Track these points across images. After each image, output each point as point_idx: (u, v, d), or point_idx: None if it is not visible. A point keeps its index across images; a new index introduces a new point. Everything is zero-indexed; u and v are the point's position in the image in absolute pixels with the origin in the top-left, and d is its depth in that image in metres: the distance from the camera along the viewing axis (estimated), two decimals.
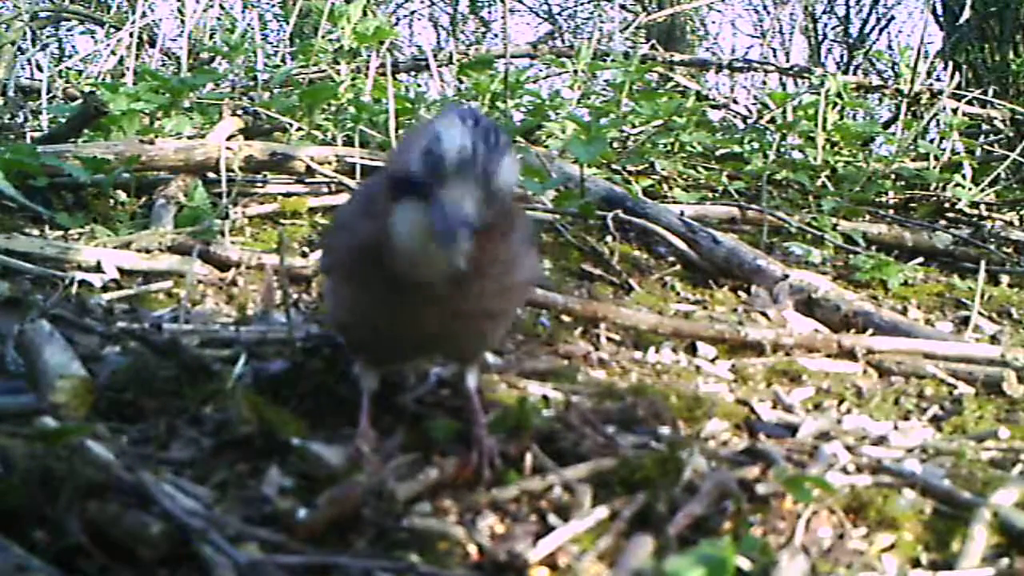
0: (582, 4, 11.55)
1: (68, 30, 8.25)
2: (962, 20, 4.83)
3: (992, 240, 3.20)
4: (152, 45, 5.28)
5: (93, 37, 7.42)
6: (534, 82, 5.00)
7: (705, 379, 1.81)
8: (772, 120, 4.14)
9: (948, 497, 1.26)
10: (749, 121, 4.77)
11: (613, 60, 4.27)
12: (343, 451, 1.23)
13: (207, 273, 2.17)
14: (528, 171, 2.74)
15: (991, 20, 5.22)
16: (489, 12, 11.50)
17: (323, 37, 4.01)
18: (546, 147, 3.50)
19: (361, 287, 1.24)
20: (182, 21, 6.02)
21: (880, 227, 3.11)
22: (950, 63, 4.88)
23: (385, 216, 1.12)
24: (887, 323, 2.15)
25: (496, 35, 11.18)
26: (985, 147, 4.39)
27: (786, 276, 2.36)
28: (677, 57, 5.64)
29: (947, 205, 3.63)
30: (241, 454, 1.22)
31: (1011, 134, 4.58)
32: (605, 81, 4.57)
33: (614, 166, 3.42)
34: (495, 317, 1.28)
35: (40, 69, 5.10)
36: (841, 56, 10.29)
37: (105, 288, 2.03)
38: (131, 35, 4.48)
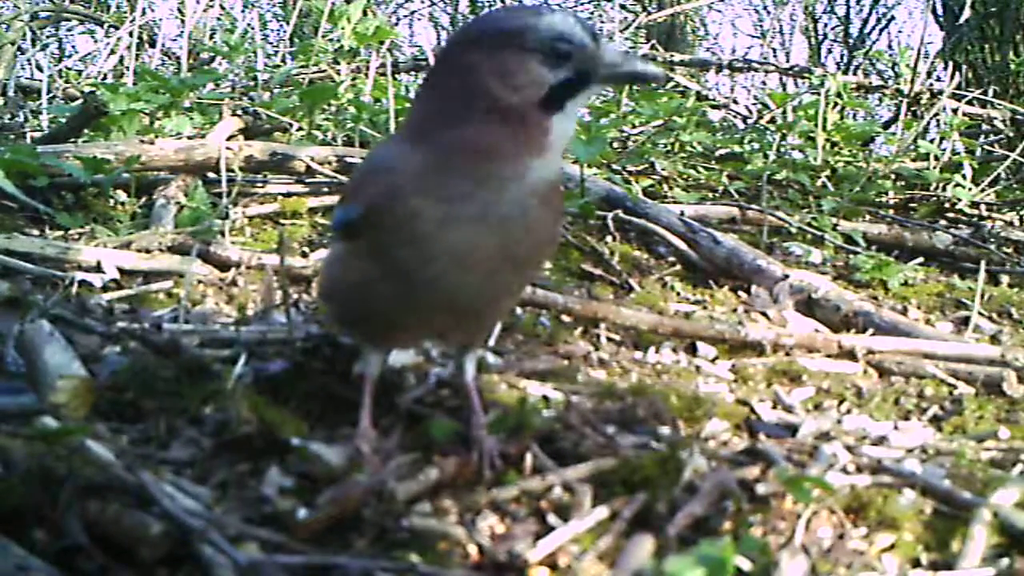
0: (582, 4, 11.56)
1: (68, 30, 8.26)
2: (962, 20, 4.84)
3: (992, 240, 3.20)
4: (152, 45, 5.28)
5: (93, 37, 7.42)
6: None
7: (705, 379, 1.81)
8: (772, 120, 4.14)
9: (948, 497, 1.25)
10: (749, 121, 4.76)
11: None
12: (343, 451, 1.23)
13: (207, 273, 2.17)
14: None
15: (991, 20, 5.22)
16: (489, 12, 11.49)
17: (323, 37, 4.01)
18: None
19: (411, 235, 1.15)
20: (182, 21, 6.02)
21: (880, 227, 3.11)
22: (950, 63, 4.88)
23: (535, 122, 1.14)
24: (887, 323, 2.15)
25: None
26: (985, 147, 4.38)
27: (786, 276, 2.36)
28: (677, 57, 5.64)
29: (947, 205, 3.63)
30: (241, 454, 1.22)
31: (1011, 134, 4.58)
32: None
33: (614, 166, 3.42)
34: (535, 270, 1.34)
35: (40, 69, 5.10)
36: (841, 56, 10.30)
37: (105, 288, 2.03)
38: (131, 34, 4.48)
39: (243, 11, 6.72)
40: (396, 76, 4.44)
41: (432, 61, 4.66)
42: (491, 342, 1.81)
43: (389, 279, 1.21)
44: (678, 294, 2.41)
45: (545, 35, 1.13)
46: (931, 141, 4.05)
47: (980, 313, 2.37)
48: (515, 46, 1.13)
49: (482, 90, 1.13)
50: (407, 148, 1.18)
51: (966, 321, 2.35)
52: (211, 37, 5.95)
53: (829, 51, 10.95)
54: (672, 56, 5.56)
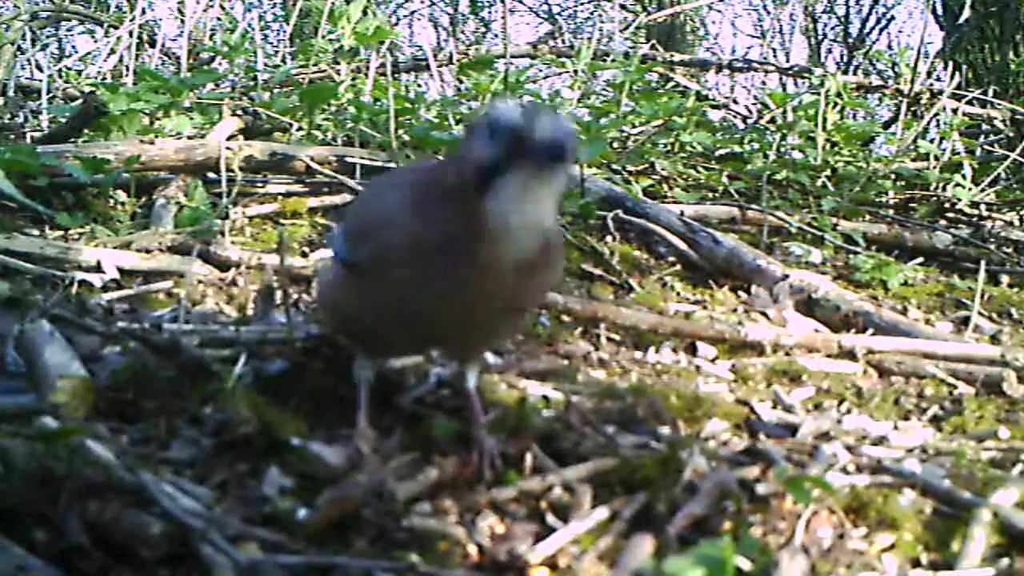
0: (582, 4, 11.56)
1: (68, 30, 8.25)
2: (962, 20, 4.84)
3: (992, 240, 3.20)
4: (152, 45, 5.28)
5: (93, 37, 7.43)
6: (534, 82, 5.01)
7: (705, 379, 1.81)
8: (772, 120, 4.14)
9: (948, 497, 1.26)
10: (749, 121, 4.76)
11: (613, 60, 4.26)
12: (343, 451, 1.23)
13: (207, 273, 2.17)
14: None
15: (991, 20, 5.22)
16: (489, 12, 11.51)
17: (323, 37, 4.01)
18: None
19: (400, 280, 1.21)
20: (182, 21, 6.02)
21: (880, 227, 3.11)
22: (950, 63, 4.88)
23: (473, 202, 1.13)
24: (887, 323, 2.15)
25: (496, 35, 11.19)
26: (985, 147, 4.38)
27: (786, 276, 2.36)
28: (677, 57, 5.64)
29: (947, 205, 3.63)
30: (241, 454, 1.22)
31: (1011, 134, 4.58)
32: (605, 81, 4.57)
33: (614, 166, 3.42)
34: (524, 312, 1.37)
35: (40, 69, 5.10)
36: (841, 56, 10.30)
37: (105, 288, 2.03)
38: (130, 34, 4.48)
39: (245, 12, 6.72)
40: (396, 76, 4.44)
41: (432, 61, 4.66)
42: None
43: (380, 311, 1.28)
44: (678, 294, 2.41)
45: (491, 118, 1.14)
46: (931, 141, 4.05)
47: (980, 313, 2.37)
48: (470, 135, 1.18)
49: (449, 171, 1.20)
50: (411, 206, 1.23)
51: (966, 321, 2.35)
52: (211, 37, 5.95)
53: (829, 51, 10.96)
54: (672, 56, 5.56)
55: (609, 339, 1.99)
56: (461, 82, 4.83)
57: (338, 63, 4.02)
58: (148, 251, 2.22)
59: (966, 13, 4.77)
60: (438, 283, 1.19)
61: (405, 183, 1.34)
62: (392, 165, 2.96)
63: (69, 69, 5.22)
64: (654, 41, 6.28)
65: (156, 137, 2.80)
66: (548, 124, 1.10)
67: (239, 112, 3.56)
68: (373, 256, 1.25)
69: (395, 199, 1.29)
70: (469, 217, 1.14)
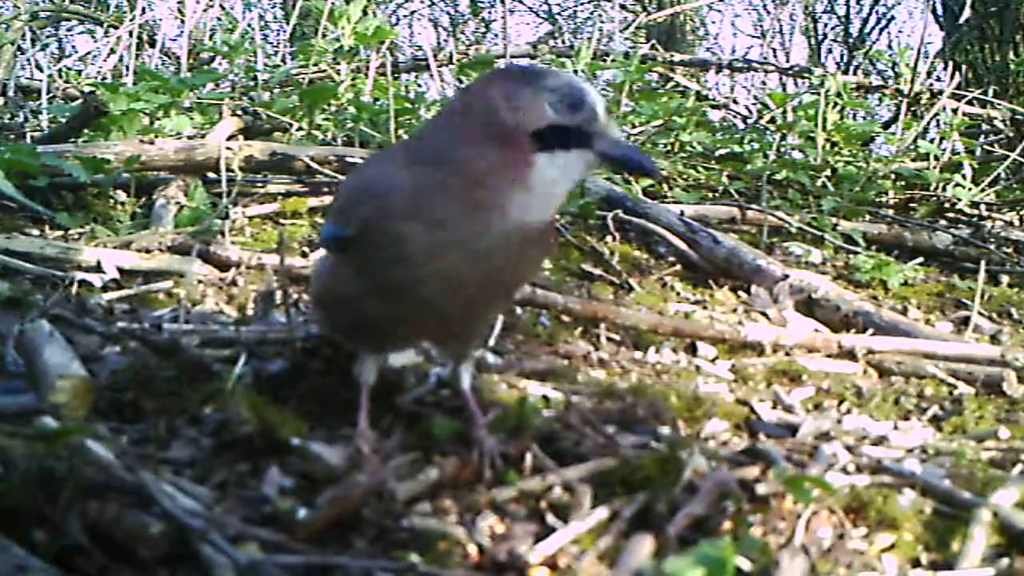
0: (582, 4, 11.56)
1: (68, 30, 8.26)
2: (962, 20, 4.83)
3: (992, 240, 3.20)
4: (152, 45, 5.28)
5: (93, 37, 7.43)
6: None
7: (705, 379, 1.81)
8: (772, 120, 4.14)
9: (948, 497, 1.25)
10: (749, 121, 4.77)
11: (613, 60, 4.26)
12: (343, 451, 1.23)
13: (207, 273, 2.17)
14: None
15: (991, 20, 5.22)
16: (489, 12, 11.51)
17: (323, 37, 4.00)
18: None
19: (399, 256, 1.17)
20: (182, 21, 6.02)
21: (880, 227, 3.11)
22: (950, 63, 4.88)
23: (520, 152, 1.14)
24: (887, 323, 2.15)
25: (496, 35, 11.19)
26: (985, 147, 4.38)
27: (786, 276, 2.36)
28: (677, 57, 5.64)
29: (947, 205, 3.63)
30: (241, 454, 1.22)
31: (1011, 134, 4.58)
32: (605, 81, 4.57)
33: None
34: (518, 289, 1.43)
35: (40, 69, 5.10)
36: (841, 56, 10.30)
37: (105, 288, 2.03)
38: (130, 34, 4.48)
39: (244, 12, 6.72)
40: (396, 76, 4.44)
41: (432, 61, 4.66)
42: (491, 342, 1.81)
43: (378, 294, 1.23)
44: (678, 294, 2.41)
45: (563, 85, 1.16)
46: (931, 141, 4.05)
47: (980, 313, 2.37)
48: (532, 84, 1.16)
49: (485, 110, 1.15)
50: (401, 169, 1.19)
51: (966, 321, 2.35)
52: (211, 37, 5.95)
53: (829, 51, 10.96)
54: (672, 56, 5.56)
55: (609, 339, 1.99)
56: (461, 82, 4.82)
57: (338, 63, 4.02)
58: (148, 251, 2.22)
59: (966, 13, 4.77)
60: (448, 253, 1.16)
61: (396, 151, 1.33)
62: None
63: (69, 69, 5.22)
64: (654, 41, 6.28)
65: (156, 137, 2.80)
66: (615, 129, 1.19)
67: (239, 112, 3.56)
68: (370, 224, 1.18)
69: (384, 166, 1.27)
70: (512, 165, 1.14)
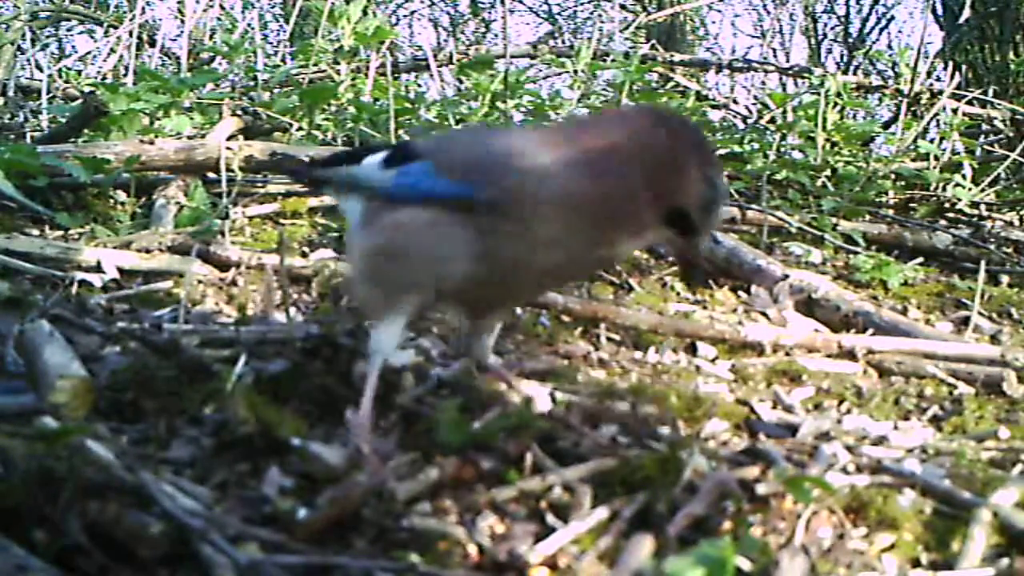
0: (582, 4, 11.57)
1: (68, 30, 8.26)
2: (962, 20, 4.83)
3: (992, 240, 3.20)
4: (152, 45, 5.28)
5: (92, 37, 7.43)
6: (534, 82, 5.00)
7: (705, 379, 1.81)
8: (772, 120, 4.13)
9: (948, 497, 1.25)
10: (749, 121, 4.76)
11: (613, 60, 4.26)
12: (343, 451, 1.23)
13: (207, 273, 2.17)
14: None
15: (991, 20, 5.21)
16: (489, 12, 11.51)
17: (323, 37, 4.01)
18: None
19: (525, 234, 1.25)
20: (182, 21, 6.02)
21: (880, 227, 3.11)
22: (950, 63, 4.88)
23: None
24: (887, 323, 2.15)
25: (496, 35, 11.19)
26: (985, 147, 4.38)
27: (786, 276, 2.36)
28: (677, 57, 5.64)
29: (947, 205, 3.63)
30: (241, 454, 1.22)
31: (1011, 134, 4.58)
32: (605, 81, 4.57)
33: None
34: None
35: (40, 69, 5.10)
36: (841, 56, 10.31)
37: (105, 288, 2.03)
38: (130, 34, 4.48)
39: (243, 11, 6.71)
40: (396, 76, 4.44)
41: (432, 61, 4.65)
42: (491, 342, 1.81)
43: (476, 257, 1.27)
44: (678, 294, 2.41)
45: (721, 188, 1.30)
46: (931, 141, 4.05)
47: (980, 313, 2.37)
48: (698, 163, 1.27)
49: (658, 164, 1.25)
50: (558, 162, 1.25)
51: (966, 321, 2.35)
52: (211, 37, 5.95)
53: (829, 51, 10.96)
54: (672, 56, 5.55)
55: (609, 339, 1.99)
56: (461, 82, 4.82)
57: (338, 63, 4.02)
58: (148, 251, 2.22)
59: (966, 13, 4.77)
60: (556, 252, 1.26)
61: (547, 136, 1.34)
62: None
63: (69, 69, 5.22)
64: (654, 41, 6.27)
65: (156, 137, 2.80)
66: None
67: (239, 112, 3.56)
68: (516, 197, 1.24)
69: (530, 144, 1.30)
70: (637, 222, 1.28)
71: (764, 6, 11.62)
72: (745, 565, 1.05)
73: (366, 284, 1.39)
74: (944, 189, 3.64)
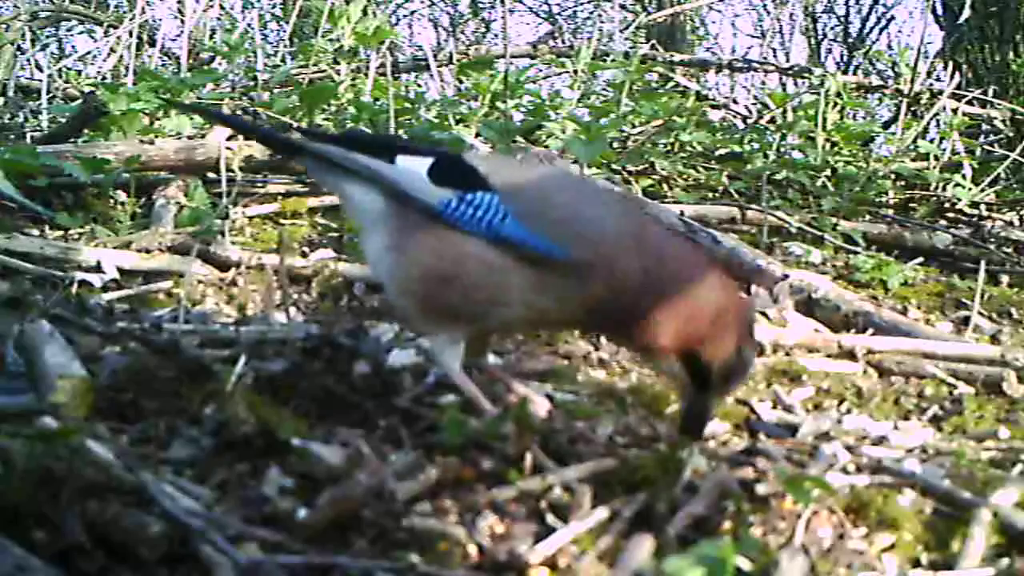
0: (582, 4, 11.57)
1: (68, 30, 8.26)
2: (962, 20, 4.83)
3: (992, 240, 3.20)
4: (152, 45, 5.28)
5: (92, 37, 7.43)
6: (534, 82, 5.00)
7: None
8: (772, 120, 4.13)
9: (948, 497, 1.25)
10: (749, 121, 4.76)
11: (613, 60, 4.26)
12: (343, 451, 1.23)
13: (207, 273, 2.17)
14: None
15: (991, 20, 5.21)
16: (489, 12, 11.51)
17: (323, 37, 4.00)
18: (546, 147, 3.50)
19: (583, 288, 1.34)
20: (182, 21, 6.02)
21: (880, 227, 3.11)
22: (950, 63, 4.87)
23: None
24: (887, 323, 2.15)
25: (496, 35, 11.19)
26: (985, 147, 4.38)
27: (786, 276, 2.35)
28: (677, 57, 5.63)
29: (947, 205, 3.63)
30: (241, 454, 1.22)
31: (1011, 134, 4.58)
32: (605, 81, 4.57)
33: (614, 166, 3.41)
34: None
35: (40, 69, 5.10)
36: (841, 56, 10.32)
37: (105, 288, 2.04)
38: (130, 34, 4.48)
39: (243, 11, 6.71)
40: (396, 76, 4.44)
41: (432, 61, 4.65)
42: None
43: (535, 303, 1.35)
44: None
45: (748, 359, 1.39)
46: (931, 141, 4.05)
47: (980, 313, 2.37)
48: (739, 333, 1.35)
49: (698, 305, 1.34)
50: (618, 222, 1.37)
51: (966, 321, 2.35)
52: (211, 37, 5.95)
53: (829, 51, 10.98)
54: (672, 56, 5.55)
55: (609, 339, 1.98)
56: (461, 82, 4.82)
57: (338, 63, 4.02)
58: (148, 251, 2.22)
59: (966, 13, 4.76)
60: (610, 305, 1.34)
61: (622, 216, 1.42)
62: None
63: (69, 69, 5.22)
64: (654, 41, 6.27)
65: (156, 137, 2.80)
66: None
67: (239, 112, 3.56)
68: (594, 261, 1.32)
69: (614, 217, 1.39)
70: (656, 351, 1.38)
71: (764, 6, 11.63)
72: (745, 565, 1.05)
73: (413, 300, 1.40)
74: (944, 189, 3.64)
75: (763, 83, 6.68)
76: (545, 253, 1.31)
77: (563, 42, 6.85)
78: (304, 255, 2.38)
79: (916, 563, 1.15)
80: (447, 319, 1.38)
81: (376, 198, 1.40)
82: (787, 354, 1.96)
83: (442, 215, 1.34)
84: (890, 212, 3.38)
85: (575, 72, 4.17)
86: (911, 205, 3.62)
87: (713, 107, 5.05)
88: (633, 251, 1.33)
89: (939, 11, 5.64)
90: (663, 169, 3.53)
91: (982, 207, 3.62)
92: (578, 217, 1.36)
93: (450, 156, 1.44)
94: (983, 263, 2.53)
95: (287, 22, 6.17)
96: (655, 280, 1.32)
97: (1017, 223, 3.56)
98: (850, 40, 10.36)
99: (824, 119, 3.63)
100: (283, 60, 5.27)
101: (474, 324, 1.39)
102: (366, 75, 3.86)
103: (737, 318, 1.34)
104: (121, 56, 4.82)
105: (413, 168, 1.37)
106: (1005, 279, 2.79)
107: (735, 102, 5.40)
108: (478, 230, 1.33)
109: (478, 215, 1.33)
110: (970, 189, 3.57)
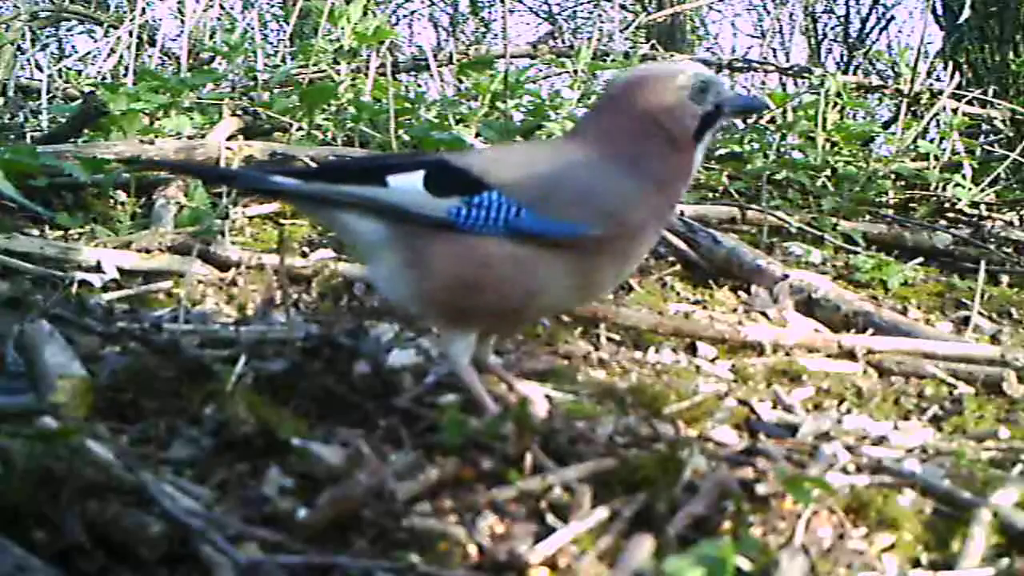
0: (582, 4, 11.57)
1: (68, 30, 8.26)
2: (962, 20, 4.83)
3: (992, 240, 3.20)
4: (152, 45, 5.28)
5: (93, 37, 7.43)
6: (534, 82, 5.00)
7: (705, 379, 1.81)
8: (772, 120, 4.13)
9: (948, 497, 1.25)
10: (749, 121, 4.76)
11: (613, 60, 4.26)
12: (343, 451, 1.23)
13: (207, 273, 2.17)
14: None
15: (991, 20, 5.21)
16: (489, 12, 11.51)
17: (323, 37, 4.00)
18: None
19: (619, 252, 1.40)
20: (182, 21, 6.02)
21: (880, 227, 3.11)
22: (950, 63, 4.88)
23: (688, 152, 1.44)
24: (887, 323, 2.15)
25: (496, 35, 11.18)
26: (985, 147, 4.38)
27: (786, 276, 2.35)
28: (677, 57, 5.64)
29: (947, 205, 3.63)
30: (241, 454, 1.22)
31: (1011, 134, 4.58)
32: (605, 81, 4.56)
33: None
34: None
35: (40, 69, 5.10)
36: (841, 56, 10.31)
37: (105, 288, 2.03)
38: (130, 34, 4.48)
39: (243, 11, 6.71)
40: (396, 76, 4.44)
41: (432, 61, 4.65)
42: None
43: (564, 286, 1.38)
44: (678, 294, 2.41)
45: (693, 77, 1.41)
46: (931, 141, 4.05)
47: (980, 313, 2.37)
48: (673, 87, 1.40)
49: (657, 126, 1.40)
50: (623, 177, 1.39)
51: (966, 321, 2.35)
52: (211, 37, 5.95)
53: (829, 51, 10.97)
54: (672, 56, 5.55)
55: (609, 339, 1.99)
56: (461, 82, 4.82)
57: (338, 63, 4.02)
58: (148, 251, 2.22)
59: (966, 13, 4.76)
60: (642, 247, 1.43)
61: (598, 159, 1.41)
62: None
63: (69, 69, 5.22)
64: (654, 41, 6.27)
65: (156, 137, 2.80)
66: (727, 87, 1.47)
67: (239, 112, 3.56)
68: (620, 224, 1.36)
69: (612, 176, 1.39)
70: (684, 168, 1.44)
71: (764, 6, 11.63)
72: (745, 565, 1.05)
73: (442, 309, 1.40)
74: (944, 189, 3.64)
75: (763, 83, 6.69)
76: (571, 235, 1.34)
77: (563, 42, 6.85)
78: (304, 255, 2.38)
79: (916, 563, 1.15)
80: (478, 321, 1.40)
81: (375, 222, 1.38)
82: (787, 354, 1.96)
83: (455, 224, 1.34)
84: (890, 212, 3.38)
85: (575, 72, 4.17)
86: (911, 205, 3.62)
87: None
88: (648, 206, 1.40)
89: (939, 11, 5.63)
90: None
91: (982, 207, 3.62)
92: (592, 191, 1.37)
93: (438, 164, 1.41)
94: (983, 263, 2.53)
95: (287, 22, 6.16)
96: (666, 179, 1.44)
97: (1017, 223, 3.56)
98: (850, 40, 10.36)
99: (824, 119, 3.63)
100: (283, 60, 5.27)
101: (513, 318, 1.43)
102: (366, 75, 3.86)
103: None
104: (121, 56, 4.82)
105: (408, 186, 1.35)
106: (1005, 279, 2.79)
107: None
108: (495, 230, 1.33)
109: (492, 215, 1.33)
110: (970, 189, 3.57)
